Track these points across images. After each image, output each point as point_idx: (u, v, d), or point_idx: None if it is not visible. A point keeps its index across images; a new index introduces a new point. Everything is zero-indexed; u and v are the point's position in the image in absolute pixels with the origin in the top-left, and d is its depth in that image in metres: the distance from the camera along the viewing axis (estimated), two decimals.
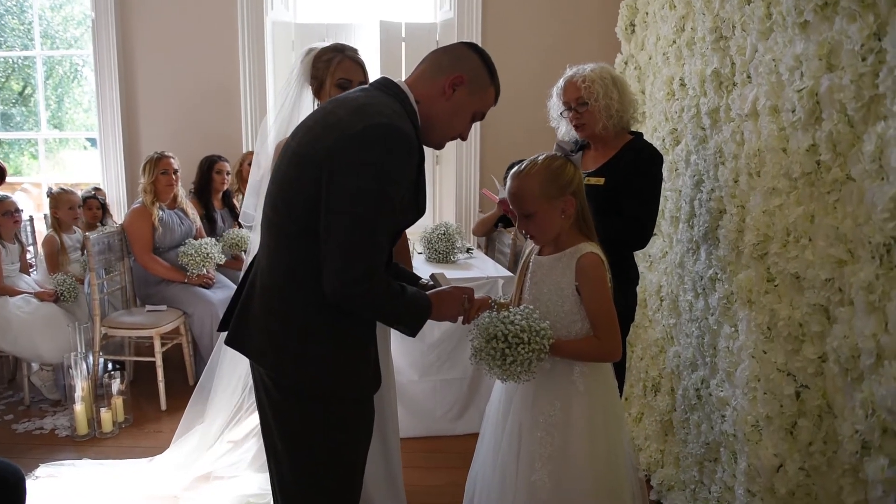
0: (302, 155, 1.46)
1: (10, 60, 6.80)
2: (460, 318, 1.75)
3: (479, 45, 1.69)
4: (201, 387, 2.82)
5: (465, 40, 1.68)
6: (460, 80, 1.54)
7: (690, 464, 2.48)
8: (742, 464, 1.98)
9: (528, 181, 1.77)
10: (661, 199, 2.74)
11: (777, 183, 1.79)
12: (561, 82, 2.31)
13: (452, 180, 4.83)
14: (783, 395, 1.76)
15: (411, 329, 1.58)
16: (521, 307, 1.75)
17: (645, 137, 2.35)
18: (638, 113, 2.32)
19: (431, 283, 1.76)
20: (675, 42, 2.60)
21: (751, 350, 1.94)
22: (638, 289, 2.88)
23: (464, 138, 1.64)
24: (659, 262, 2.88)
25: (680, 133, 2.57)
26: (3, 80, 7.24)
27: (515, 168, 1.83)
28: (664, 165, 2.70)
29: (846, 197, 1.51)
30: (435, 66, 1.56)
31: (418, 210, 1.59)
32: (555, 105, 2.36)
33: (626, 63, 3.24)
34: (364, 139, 1.38)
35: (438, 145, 1.63)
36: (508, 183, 1.83)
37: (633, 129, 2.34)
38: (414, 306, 1.55)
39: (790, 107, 1.70)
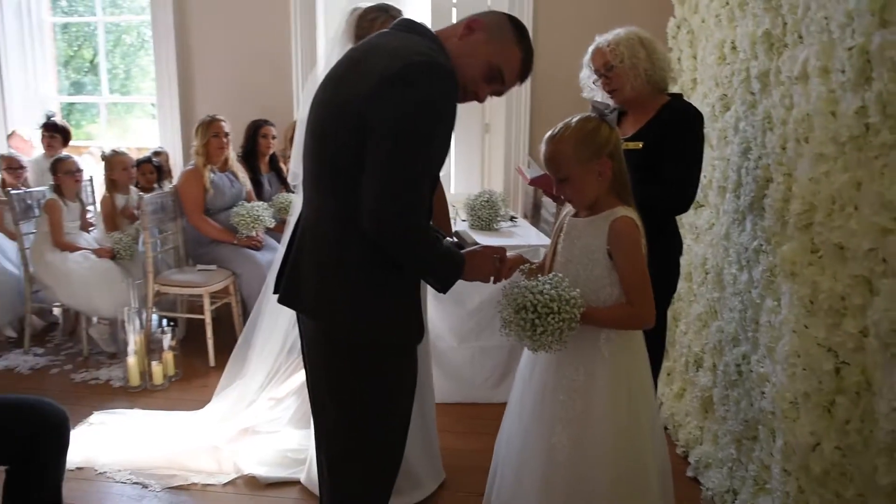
0: (338, 105, 1.45)
1: (82, 30, 7.01)
2: (492, 280, 1.73)
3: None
4: (242, 344, 2.90)
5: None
6: (478, 25, 1.51)
7: (728, 441, 2.42)
8: (779, 442, 1.92)
9: (561, 145, 1.72)
10: (709, 167, 2.65)
11: (824, 148, 1.70)
12: (589, 51, 2.28)
13: (501, 150, 4.77)
14: (822, 372, 1.68)
15: (443, 283, 1.57)
16: (551, 275, 1.72)
17: (695, 104, 2.28)
18: (672, 72, 2.27)
19: (456, 240, 1.75)
20: (727, 3, 2.48)
21: (792, 324, 1.86)
22: (683, 261, 2.81)
23: (480, 99, 1.59)
24: (705, 233, 2.78)
25: (730, 99, 2.46)
26: (75, 48, 7.48)
27: (550, 132, 1.78)
28: (714, 133, 2.61)
29: (894, 161, 1.41)
30: (460, 19, 1.55)
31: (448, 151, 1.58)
32: (587, 76, 2.33)
33: (678, 27, 3.12)
34: (406, 78, 1.36)
35: None
36: (542, 147, 1.79)
37: (670, 90, 2.29)
38: (448, 259, 1.54)
39: (840, 66, 1.60)
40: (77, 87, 7.39)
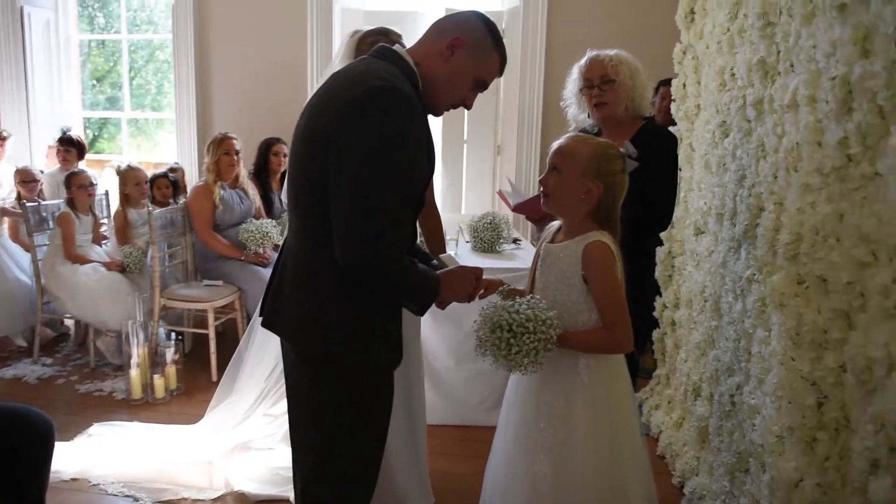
0: (310, 131, 1.48)
1: (118, 47, 7.22)
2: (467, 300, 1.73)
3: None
4: (236, 360, 2.92)
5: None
6: (459, 43, 1.52)
7: (722, 473, 2.37)
8: (766, 476, 1.87)
9: (580, 145, 1.75)
10: (709, 194, 2.63)
11: (810, 179, 1.67)
12: (584, 60, 2.30)
13: (513, 171, 4.78)
14: (805, 406, 1.64)
15: (419, 306, 1.58)
16: (528, 297, 1.72)
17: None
18: (649, 102, 2.33)
19: (437, 264, 1.75)
20: (728, 30, 2.46)
21: (780, 356, 1.82)
22: (684, 288, 2.79)
23: (468, 107, 1.63)
24: (705, 260, 2.75)
25: (728, 126, 2.44)
26: (111, 64, 7.68)
27: (576, 133, 1.87)
28: (714, 160, 2.59)
29: (872, 194, 1.39)
30: (436, 30, 1.57)
31: (430, 170, 1.59)
32: (573, 83, 2.34)
33: (684, 52, 3.10)
34: (363, 104, 1.38)
35: (436, 110, 1.61)
36: (561, 139, 1.80)
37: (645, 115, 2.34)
38: (423, 282, 1.54)
39: (825, 96, 1.58)
40: (112, 102, 7.59)
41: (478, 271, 1.70)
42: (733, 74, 2.39)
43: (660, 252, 3.31)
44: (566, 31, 4.50)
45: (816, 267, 1.61)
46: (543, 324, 1.64)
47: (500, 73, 1.62)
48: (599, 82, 2.24)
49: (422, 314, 1.59)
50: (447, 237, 3.47)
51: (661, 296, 3.34)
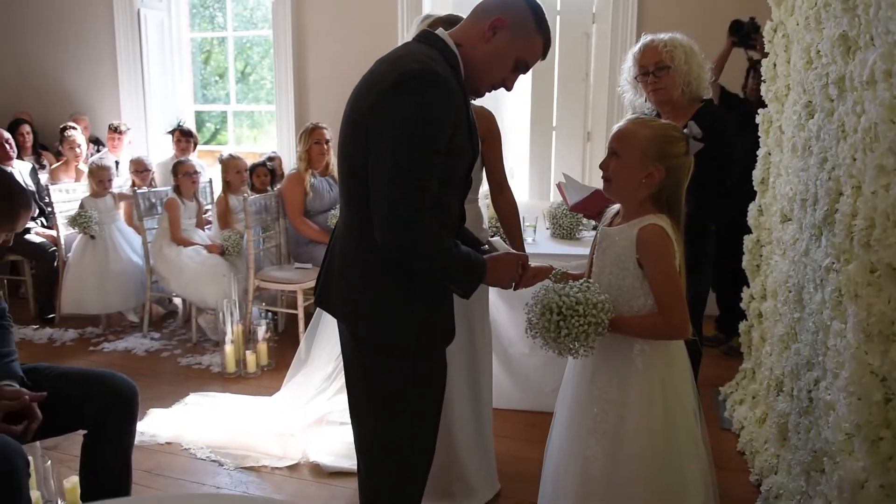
0: (353, 117, 1.53)
1: (238, 43, 7.66)
2: (513, 287, 1.74)
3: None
4: (308, 335, 3.08)
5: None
6: (501, 24, 1.52)
7: (799, 472, 2.25)
8: (836, 476, 1.77)
9: (640, 127, 1.72)
10: (795, 179, 2.49)
11: (885, 160, 1.56)
12: (638, 46, 2.26)
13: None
14: (872, 402, 1.54)
15: (464, 289, 1.59)
16: (581, 281, 1.71)
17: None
18: (708, 82, 2.27)
19: (487, 248, 1.77)
20: (815, 4, 2.31)
21: (853, 350, 1.71)
22: (770, 279, 2.67)
23: (508, 88, 1.62)
24: (790, 248, 2.60)
25: (814, 106, 2.30)
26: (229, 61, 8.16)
27: (639, 115, 1.86)
28: (800, 142, 2.45)
29: None
30: (479, 11, 1.57)
31: (473, 152, 1.60)
32: (629, 70, 2.30)
33: (774, 30, 2.93)
34: (398, 86, 1.41)
35: (478, 91, 1.61)
36: (622, 122, 1.77)
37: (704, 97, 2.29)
38: (466, 264, 1.54)
39: None
40: (229, 95, 8.03)
41: (523, 257, 1.70)
42: (819, 52, 2.25)
43: (747, 241, 3.17)
44: (658, 15, 4.35)
45: (887, 254, 1.50)
46: (594, 307, 1.62)
47: (544, 56, 1.61)
48: (654, 69, 2.21)
49: (467, 297, 1.61)
50: (527, 223, 3.48)
51: (748, 286, 3.20)
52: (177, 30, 5.80)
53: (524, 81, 4.82)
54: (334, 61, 5.08)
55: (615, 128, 1.76)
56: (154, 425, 3.03)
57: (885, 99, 1.58)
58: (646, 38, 2.26)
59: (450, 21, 2.41)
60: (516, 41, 1.54)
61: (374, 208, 1.44)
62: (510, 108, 4.95)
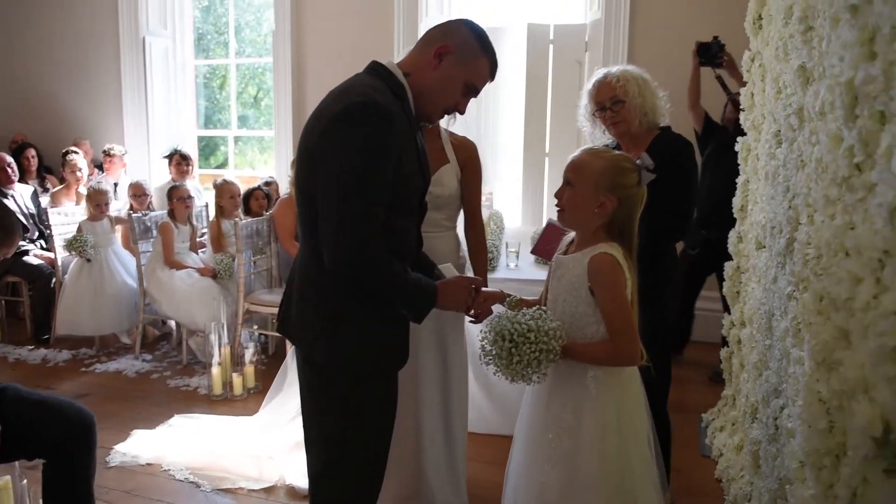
0: (305, 148, 1.58)
1: (249, 70, 7.80)
2: (465, 311, 1.76)
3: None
4: (289, 360, 3.10)
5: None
6: (446, 50, 1.57)
7: (767, 501, 2.24)
8: None
9: (593, 158, 1.76)
10: (767, 207, 2.51)
11: (829, 190, 1.58)
12: (592, 83, 2.30)
13: None
14: (818, 430, 1.55)
15: (415, 313, 1.62)
16: (534, 308, 1.73)
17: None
18: (665, 110, 2.29)
19: (437, 273, 1.80)
20: (783, 35, 2.35)
21: (806, 378, 1.72)
22: (748, 306, 2.68)
23: (461, 112, 1.67)
24: (763, 276, 2.62)
25: (782, 135, 2.33)
26: (243, 86, 8.32)
27: (592, 146, 1.88)
28: (771, 170, 2.47)
29: (873, 206, 1.30)
30: (425, 40, 1.62)
31: (424, 179, 1.64)
32: (585, 107, 2.34)
33: (752, 60, 2.97)
34: (344, 119, 1.46)
35: (430, 118, 1.67)
36: (577, 153, 1.81)
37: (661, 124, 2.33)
38: (417, 288, 1.58)
39: (839, 103, 1.50)
40: (242, 120, 8.19)
41: (476, 281, 1.74)
42: (784, 83, 2.29)
43: (727, 268, 3.18)
44: (648, 43, 4.42)
45: (829, 282, 1.52)
46: (546, 334, 1.65)
47: (492, 77, 1.66)
48: (610, 104, 2.25)
49: (419, 321, 1.64)
50: (511, 249, 3.51)
51: (729, 313, 3.20)
52: (181, 56, 5.93)
53: (518, 107, 4.89)
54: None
55: (570, 158, 1.80)
56: (137, 446, 3.05)
57: (831, 130, 1.61)
58: (598, 74, 2.30)
59: None
60: (463, 65, 1.59)
61: (321, 233, 1.49)
62: (503, 134, 5.01)
